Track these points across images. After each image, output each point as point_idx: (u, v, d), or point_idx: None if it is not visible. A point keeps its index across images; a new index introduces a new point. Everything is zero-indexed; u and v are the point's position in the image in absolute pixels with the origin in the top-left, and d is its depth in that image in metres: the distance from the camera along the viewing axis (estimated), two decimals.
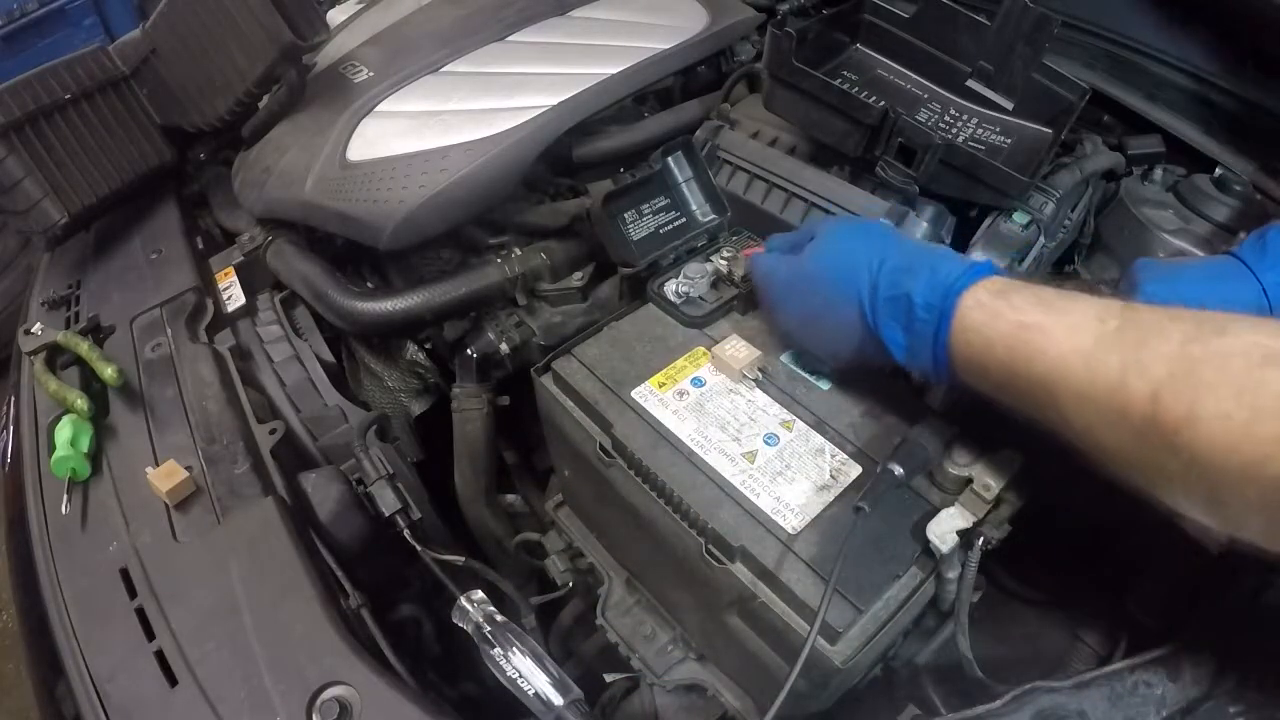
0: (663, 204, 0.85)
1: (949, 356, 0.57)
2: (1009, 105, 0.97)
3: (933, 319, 0.57)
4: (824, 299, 0.65)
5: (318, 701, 0.62)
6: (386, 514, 0.79)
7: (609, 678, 0.87)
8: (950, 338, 0.56)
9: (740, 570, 0.60)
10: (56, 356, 0.94)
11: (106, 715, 0.65)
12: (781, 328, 0.73)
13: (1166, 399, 0.44)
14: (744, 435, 0.66)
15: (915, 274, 0.59)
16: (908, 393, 0.71)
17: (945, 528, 0.57)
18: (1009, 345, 0.52)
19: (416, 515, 0.81)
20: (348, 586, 0.74)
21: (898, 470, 0.59)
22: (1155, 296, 0.69)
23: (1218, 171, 0.99)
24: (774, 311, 0.72)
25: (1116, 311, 0.49)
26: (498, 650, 0.65)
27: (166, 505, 0.78)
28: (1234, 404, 0.41)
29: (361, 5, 1.37)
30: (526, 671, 0.63)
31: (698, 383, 0.71)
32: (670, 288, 0.79)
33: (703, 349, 0.74)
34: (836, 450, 0.65)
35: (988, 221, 0.89)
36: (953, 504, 0.60)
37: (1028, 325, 0.52)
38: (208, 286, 1.04)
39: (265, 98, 1.11)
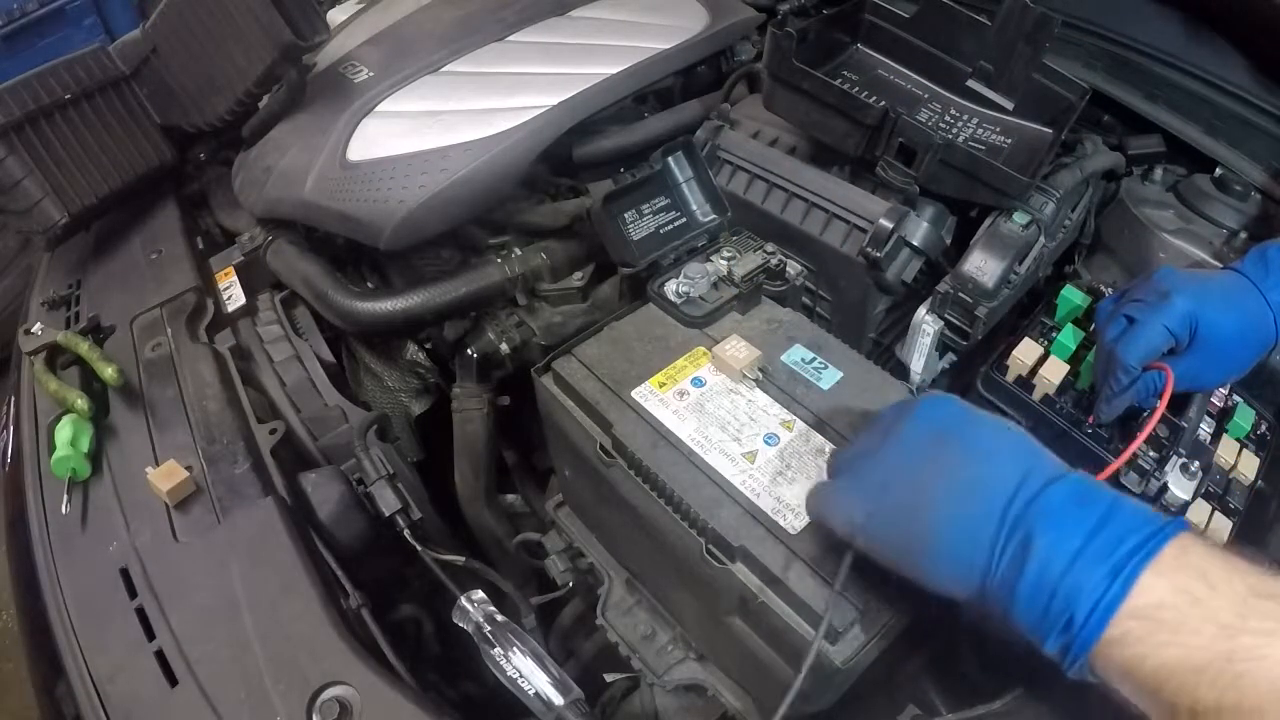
0: (663, 204, 0.85)
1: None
2: (1009, 105, 0.97)
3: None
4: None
5: (318, 701, 0.62)
6: (386, 514, 0.79)
7: (609, 678, 0.87)
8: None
9: (741, 570, 0.60)
10: (56, 356, 0.94)
11: (106, 715, 0.65)
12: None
13: None
14: (744, 435, 0.66)
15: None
16: (907, 393, 0.71)
17: None
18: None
19: (416, 515, 0.81)
20: (348, 586, 0.74)
21: None
22: (1185, 310, 0.70)
23: (1218, 171, 0.99)
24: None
25: None
26: (498, 650, 0.65)
27: (166, 505, 0.78)
28: None
29: (361, 5, 1.37)
30: (527, 671, 0.63)
31: (698, 383, 0.71)
32: (670, 288, 0.79)
33: (703, 349, 0.74)
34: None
35: (988, 221, 0.89)
36: None
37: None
38: (208, 286, 1.04)
39: (265, 98, 1.11)
